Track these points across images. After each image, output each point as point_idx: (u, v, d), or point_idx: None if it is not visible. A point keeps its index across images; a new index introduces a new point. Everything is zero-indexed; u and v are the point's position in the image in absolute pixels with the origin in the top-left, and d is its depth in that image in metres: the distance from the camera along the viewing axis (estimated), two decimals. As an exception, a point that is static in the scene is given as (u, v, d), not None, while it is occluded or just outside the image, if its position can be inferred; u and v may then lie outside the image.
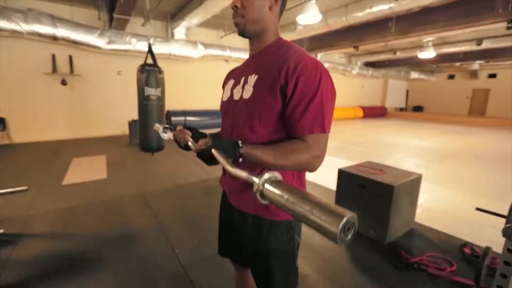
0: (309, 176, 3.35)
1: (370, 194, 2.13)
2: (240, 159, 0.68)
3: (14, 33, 4.75)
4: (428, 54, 8.51)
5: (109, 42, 5.61)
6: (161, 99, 3.45)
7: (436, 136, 7.85)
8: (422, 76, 14.52)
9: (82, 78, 6.16)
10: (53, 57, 5.74)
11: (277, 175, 0.53)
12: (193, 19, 5.75)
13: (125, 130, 6.34)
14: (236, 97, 0.81)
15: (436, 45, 8.58)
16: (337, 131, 8.49)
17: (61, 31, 5.05)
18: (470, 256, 1.91)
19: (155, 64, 3.11)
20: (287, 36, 7.34)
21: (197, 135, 0.84)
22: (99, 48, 5.58)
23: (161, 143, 3.57)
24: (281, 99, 0.71)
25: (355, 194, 2.24)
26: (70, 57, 5.92)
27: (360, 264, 1.88)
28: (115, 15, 4.95)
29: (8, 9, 4.62)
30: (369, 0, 4.98)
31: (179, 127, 0.87)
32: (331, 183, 2.52)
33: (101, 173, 3.75)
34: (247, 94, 0.77)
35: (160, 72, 3.19)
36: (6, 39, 5.10)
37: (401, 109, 16.47)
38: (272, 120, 0.73)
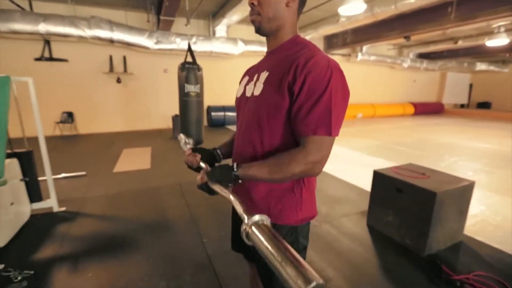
0: (344, 175, 3.21)
1: (408, 200, 1.94)
2: (240, 181, 0.72)
3: (80, 39, 5.44)
4: (499, 41, 7.29)
5: (157, 42, 6.06)
6: (200, 95, 3.61)
7: (504, 138, 6.76)
8: (491, 68, 12.52)
9: (134, 76, 6.79)
10: (110, 58, 6.43)
11: (265, 219, 0.53)
12: (233, 16, 5.86)
13: (169, 124, 6.83)
14: (248, 93, 0.81)
15: (509, 30, 7.31)
16: (379, 130, 7.87)
17: (117, 35, 5.62)
18: (532, 281, 1.62)
19: (194, 62, 3.25)
20: (329, 29, 7.02)
21: (206, 156, 0.90)
22: (148, 48, 6.07)
23: (200, 138, 3.74)
24: (288, 98, 0.68)
25: (391, 199, 2.07)
26: (124, 58, 6.57)
27: (390, 274, 1.74)
28: (161, 17, 5.31)
29: (76, 17, 5.30)
30: (423, -16, 4.46)
31: (188, 151, 0.91)
32: (368, 184, 2.36)
33: (146, 163, 4.11)
34: (258, 91, 0.76)
35: (199, 69, 3.33)
36: (73, 43, 5.87)
37: (462, 106, 14.52)
38: (281, 119, 0.71)
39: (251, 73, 0.86)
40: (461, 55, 10.44)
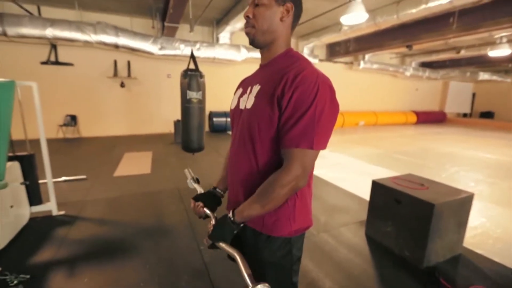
0: (344, 184, 3.20)
1: (407, 211, 1.93)
2: (241, 225, 0.76)
3: (86, 43, 5.53)
4: (501, 52, 7.32)
5: (161, 48, 6.14)
6: (202, 102, 3.63)
7: (507, 148, 6.71)
8: (494, 77, 12.51)
9: (137, 81, 6.87)
10: (115, 62, 6.52)
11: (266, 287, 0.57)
12: (237, 24, 5.93)
13: (171, 129, 6.86)
14: (242, 106, 0.82)
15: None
16: (381, 138, 7.86)
17: (122, 40, 5.71)
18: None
19: (196, 69, 3.29)
20: (332, 38, 7.09)
21: (208, 200, 0.94)
22: (152, 53, 6.15)
23: (202, 144, 3.75)
24: (278, 111, 0.69)
25: (389, 209, 2.06)
26: (129, 62, 6.66)
27: (388, 286, 1.72)
28: (166, 24, 5.40)
29: (82, 23, 5.40)
30: (424, -6, 4.51)
31: (192, 203, 0.95)
32: (368, 193, 2.36)
33: (146, 168, 4.13)
34: (250, 104, 0.77)
35: (201, 76, 3.37)
36: (79, 48, 5.98)
37: (465, 115, 14.47)
38: (272, 132, 0.72)
39: (245, 85, 0.88)
40: (463, 64, 10.46)
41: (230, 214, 0.75)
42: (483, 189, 3.59)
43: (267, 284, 0.57)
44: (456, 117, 13.95)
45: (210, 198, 0.96)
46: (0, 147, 1.79)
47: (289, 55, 0.79)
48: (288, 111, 0.67)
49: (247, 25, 0.79)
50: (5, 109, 1.84)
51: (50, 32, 5.15)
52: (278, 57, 0.80)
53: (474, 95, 14.30)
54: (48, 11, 5.78)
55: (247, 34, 0.80)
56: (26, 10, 5.15)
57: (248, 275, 0.60)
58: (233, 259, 0.80)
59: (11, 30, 4.93)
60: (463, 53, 8.66)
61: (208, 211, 0.89)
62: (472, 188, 3.60)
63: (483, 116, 14.03)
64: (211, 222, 0.84)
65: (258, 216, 0.75)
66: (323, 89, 0.67)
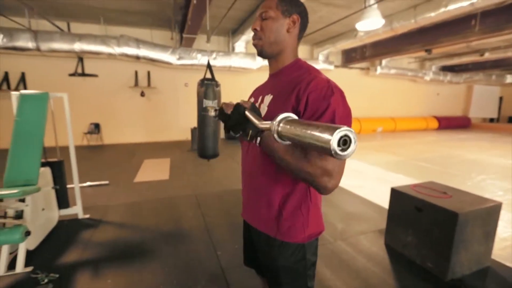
0: (362, 192, 3.13)
1: (428, 220, 1.87)
2: (258, 142, 0.69)
3: (110, 56, 5.86)
4: (529, 53, 6.96)
5: (179, 58, 6.38)
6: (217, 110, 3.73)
7: (540, 155, 6.29)
8: (523, 80, 11.85)
9: (157, 90, 7.14)
10: (136, 73, 6.84)
11: (289, 114, 0.55)
12: (252, 33, 6.06)
13: (188, 136, 7.04)
14: None
15: (541, 42, 6.96)
16: (400, 144, 7.62)
17: (143, 51, 6.00)
18: None
19: (213, 79, 3.39)
20: (348, 44, 7.05)
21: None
22: (171, 63, 6.40)
23: (217, 151, 3.82)
24: None
25: (410, 218, 2.00)
26: (148, 73, 6.96)
27: (410, 298, 1.66)
28: (184, 35, 5.62)
29: (107, 36, 5.74)
30: (443, -2, 4.41)
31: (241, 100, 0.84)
32: (386, 201, 2.30)
33: (165, 174, 4.25)
34: (262, 113, 0.80)
35: (217, 85, 3.46)
36: (103, 60, 6.33)
37: (492, 120, 13.72)
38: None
39: (256, 94, 0.90)
40: (488, 67, 9.99)
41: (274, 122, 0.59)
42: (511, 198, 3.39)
43: (288, 112, 0.55)
44: (481, 122, 13.27)
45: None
46: (35, 154, 1.93)
47: (298, 65, 0.82)
48: (307, 114, 0.68)
49: (255, 37, 0.83)
50: (40, 119, 2.00)
51: (78, 46, 5.51)
52: (287, 67, 0.83)
53: (501, 99, 13.56)
54: (77, 27, 6.20)
55: (255, 46, 0.84)
56: (57, 27, 5.56)
57: (270, 124, 0.56)
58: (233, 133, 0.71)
59: (44, 45, 5.33)
60: (488, 55, 8.29)
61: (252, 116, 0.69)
62: (500, 197, 3.40)
63: (511, 121, 13.25)
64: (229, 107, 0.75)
65: (277, 158, 0.67)
66: (336, 93, 0.69)
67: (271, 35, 0.79)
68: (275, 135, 0.54)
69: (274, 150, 0.66)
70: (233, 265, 1.94)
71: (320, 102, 0.67)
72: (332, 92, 0.68)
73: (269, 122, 0.58)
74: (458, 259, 1.78)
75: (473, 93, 12.56)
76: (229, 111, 0.72)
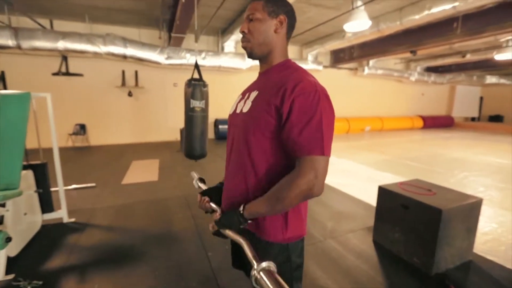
0: (351, 190, 3.19)
1: (414, 217, 1.92)
2: (249, 221, 0.76)
3: (95, 54, 5.71)
4: (508, 55, 7.26)
5: (167, 58, 6.29)
6: (205, 110, 3.70)
7: (518, 152, 6.59)
8: (502, 81, 12.38)
9: (145, 90, 7.02)
10: (123, 72, 6.70)
11: (272, 265, 0.59)
12: (241, 33, 6.05)
13: (177, 136, 6.95)
14: (238, 110, 0.85)
15: (519, 44, 7.27)
16: (388, 143, 7.80)
17: (130, 51, 5.88)
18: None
19: (200, 79, 3.36)
20: (336, 45, 7.15)
21: (215, 195, 0.96)
22: (159, 63, 6.30)
23: (204, 151, 3.79)
24: (275, 118, 0.72)
25: (397, 215, 2.05)
26: (136, 72, 6.82)
27: (397, 294, 1.70)
28: (172, 34, 5.55)
29: (92, 35, 5.59)
30: (427, 1, 4.55)
31: (198, 197, 0.96)
32: (374, 199, 2.35)
33: (154, 175, 4.18)
34: (246, 108, 0.80)
35: (205, 85, 3.44)
36: (89, 59, 6.16)
37: (473, 119, 14.26)
38: (267, 135, 0.74)
39: (244, 92, 0.91)
40: (469, 68, 10.38)
41: (241, 208, 0.76)
42: (493, 195, 3.53)
43: (271, 262, 0.58)
44: (464, 122, 13.76)
45: (216, 193, 0.97)
46: (16, 157, 1.86)
47: (286, 66, 0.82)
48: (292, 119, 0.69)
49: (243, 40, 0.83)
50: (21, 120, 1.92)
51: (61, 44, 5.34)
52: (276, 67, 0.83)
53: (481, 98, 14.12)
54: (60, 25, 6.00)
55: (244, 48, 0.84)
56: (40, 24, 5.36)
57: (253, 257, 0.62)
58: (237, 263, 0.82)
59: (25, 43, 5.13)
60: (469, 57, 8.62)
61: (214, 205, 0.90)
62: (481, 194, 3.54)
63: (492, 120, 13.81)
64: (217, 213, 0.85)
65: (267, 215, 0.75)
66: (323, 98, 0.70)
67: (259, 36, 0.80)
68: (253, 281, 0.59)
69: (259, 213, 0.75)
70: (224, 266, 1.93)
71: (307, 109, 0.68)
72: (318, 98, 0.69)
73: (251, 255, 0.63)
74: (442, 254, 1.84)
75: (455, 93, 13.02)
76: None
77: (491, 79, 12.07)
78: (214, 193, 0.96)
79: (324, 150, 0.68)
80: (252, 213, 0.74)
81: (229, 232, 0.75)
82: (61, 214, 2.54)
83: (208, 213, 0.94)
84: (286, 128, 0.70)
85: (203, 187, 1.06)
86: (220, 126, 7.64)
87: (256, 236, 0.81)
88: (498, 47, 7.56)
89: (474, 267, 1.96)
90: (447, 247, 1.84)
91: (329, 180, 4.00)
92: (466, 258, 2.01)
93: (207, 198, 0.93)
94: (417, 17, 4.80)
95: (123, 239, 2.32)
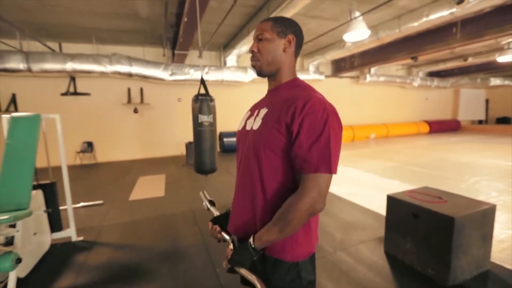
0: (359, 200, 3.15)
1: (426, 226, 1.87)
2: (261, 252, 0.76)
3: (102, 74, 5.89)
4: (510, 57, 7.24)
5: (171, 74, 6.44)
6: (213, 124, 3.73)
7: (529, 154, 6.43)
8: (507, 82, 12.25)
9: (150, 106, 7.16)
10: (129, 90, 6.86)
11: None
12: (243, 47, 6.19)
13: (183, 151, 7.01)
14: (248, 127, 0.86)
15: (520, 46, 7.25)
16: (394, 150, 7.71)
17: (135, 69, 6.05)
18: None
19: (207, 94, 3.42)
20: (336, 54, 7.24)
21: (225, 224, 0.94)
22: (164, 79, 6.45)
23: (214, 166, 3.79)
24: (285, 136, 0.73)
25: (408, 225, 2.00)
26: (141, 89, 6.98)
27: (413, 308, 1.64)
28: (176, 51, 5.70)
29: (99, 55, 5.79)
30: (424, 8, 4.61)
31: (210, 225, 0.96)
32: (383, 208, 2.31)
33: (160, 191, 4.19)
34: (256, 125, 0.81)
35: (212, 100, 3.49)
36: (95, 79, 6.35)
37: (481, 122, 14.06)
38: (277, 153, 0.75)
39: (253, 109, 0.92)
40: (473, 71, 10.34)
41: (251, 240, 0.75)
42: (507, 200, 3.43)
43: None
44: (471, 125, 13.56)
45: (227, 220, 0.96)
46: (26, 178, 1.89)
47: (295, 84, 0.84)
48: (301, 137, 0.70)
49: (253, 59, 0.86)
50: (32, 142, 1.97)
51: (70, 65, 5.53)
52: (285, 85, 0.85)
53: (487, 101, 13.96)
54: (69, 47, 6.24)
55: (254, 66, 0.86)
56: (49, 47, 5.58)
57: None
58: (246, 283, 0.81)
59: (35, 66, 5.33)
60: (471, 60, 8.60)
61: (226, 236, 0.88)
62: (494, 199, 3.44)
63: (499, 122, 13.57)
64: (229, 246, 0.84)
65: (278, 240, 0.74)
66: (332, 115, 0.71)
67: (268, 55, 0.82)
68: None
69: (270, 241, 0.74)
70: (232, 282, 1.89)
71: (316, 126, 0.69)
72: (327, 116, 0.70)
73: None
74: (458, 264, 1.77)
75: (460, 97, 12.92)
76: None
77: (495, 81, 11.96)
78: (225, 220, 0.95)
79: (331, 168, 0.69)
80: (263, 241, 0.74)
81: (242, 271, 0.73)
82: (70, 233, 2.55)
83: (220, 242, 0.92)
84: (295, 146, 0.71)
85: (213, 210, 1.04)
86: (225, 139, 7.68)
87: (264, 253, 0.80)
88: (500, 49, 7.55)
89: (492, 277, 1.88)
90: (463, 256, 1.78)
91: (337, 189, 3.95)
92: (484, 268, 1.93)
93: (218, 228, 0.91)
94: (415, 24, 4.85)
95: (130, 256, 2.31)
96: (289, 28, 0.83)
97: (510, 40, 6.57)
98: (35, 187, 2.27)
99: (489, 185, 4.07)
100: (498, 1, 3.92)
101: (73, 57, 5.56)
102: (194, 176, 5.02)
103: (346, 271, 2.00)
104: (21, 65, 5.22)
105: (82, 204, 3.55)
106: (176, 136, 7.42)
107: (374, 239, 2.47)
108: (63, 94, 6.27)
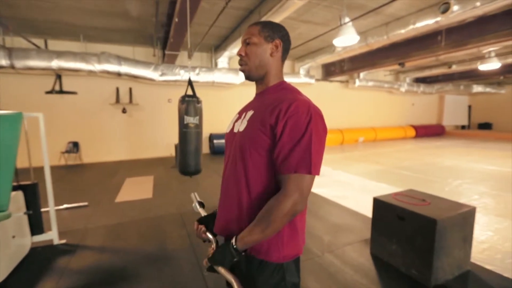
0: (347, 202, 3.20)
1: (410, 228, 1.92)
2: (243, 253, 0.75)
3: (90, 73, 5.75)
4: (491, 65, 7.55)
5: (162, 75, 6.37)
6: (198, 126, 3.71)
7: (508, 159, 6.71)
8: (488, 90, 12.78)
9: (139, 106, 7.04)
10: (117, 90, 6.73)
11: None
12: (234, 49, 6.20)
13: (172, 152, 6.92)
14: (235, 130, 0.88)
15: (501, 54, 7.59)
16: (381, 153, 7.88)
17: (124, 68, 5.94)
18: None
19: (194, 95, 3.40)
20: (327, 59, 7.35)
21: (211, 225, 0.95)
22: (153, 80, 6.36)
23: (198, 167, 3.76)
24: (270, 137, 0.74)
25: (393, 227, 2.04)
26: (130, 89, 6.86)
27: (397, 308, 1.67)
28: (166, 52, 5.65)
29: (87, 53, 5.66)
30: (411, 16, 4.76)
31: (195, 225, 0.96)
32: (370, 210, 2.35)
33: (148, 192, 4.12)
34: (242, 127, 0.83)
35: (199, 102, 3.47)
36: (83, 77, 6.20)
37: (463, 127, 14.58)
38: (263, 154, 0.75)
39: (241, 112, 0.94)
40: (456, 78, 10.74)
41: (233, 241, 0.75)
42: (487, 202, 3.56)
43: None
44: (455, 130, 14.05)
45: (213, 221, 0.96)
46: (6, 178, 1.82)
47: (282, 87, 0.86)
48: (284, 138, 0.71)
49: (241, 63, 0.87)
50: (12, 141, 1.90)
51: (55, 63, 5.38)
52: (272, 88, 0.87)
53: (470, 107, 14.52)
54: (55, 44, 6.07)
55: (242, 70, 0.88)
56: (34, 44, 5.42)
57: None
58: (230, 286, 0.81)
59: (19, 63, 5.15)
60: (455, 68, 8.93)
61: (210, 236, 0.89)
62: (476, 201, 3.57)
63: (481, 128, 14.14)
64: (212, 246, 0.85)
65: (260, 241, 0.74)
66: (315, 118, 0.72)
67: (255, 59, 0.84)
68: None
69: (252, 241, 0.74)
70: (219, 285, 1.87)
71: (298, 129, 0.71)
72: (310, 118, 0.71)
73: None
74: (440, 265, 1.82)
75: (445, 103, 13.38)
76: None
77: (477, 88, 12.45)
78: (211, 221, 0.95)
79: (311, 169, 0.70)
80: (246, 242, 0.74)
81: (221, 270, 0.73)
82: (52, 235, 2.47)
83: (205, 242, 0.93)
84: (277, 146, 0.72)
85: (202, 212, 1.05)
86: (215, 141, 7.64)
87: (248, 254, 0.80)
88: (482, 58, 7.87)
89: (472, 278, 1.94)
90: (445, 258, 1.84)
91: (325, 192, 3.99)
92: (464, 268, 2.00)
93: (203, 228, 0.92)
94: (402, 31, 5.00)
95: (116, 260, 2.25)
96: (277, 33, 0.85)
97: (491, 49, 6.88)
98: (15, 188, 2.18)
99: (471, 188, 4.22)
100: (479, 11, 4.10)
101: (59, 54, 5.41)
102: (183, 178, 4.96)
103: (334, 273, 2.02)
104: (3, 62, 5.04)
105: (65, 206, 3.44)
106: (165, 137, 7.32)
107: (361, 241, 2.51)
108: (48, 92, 6.07)
